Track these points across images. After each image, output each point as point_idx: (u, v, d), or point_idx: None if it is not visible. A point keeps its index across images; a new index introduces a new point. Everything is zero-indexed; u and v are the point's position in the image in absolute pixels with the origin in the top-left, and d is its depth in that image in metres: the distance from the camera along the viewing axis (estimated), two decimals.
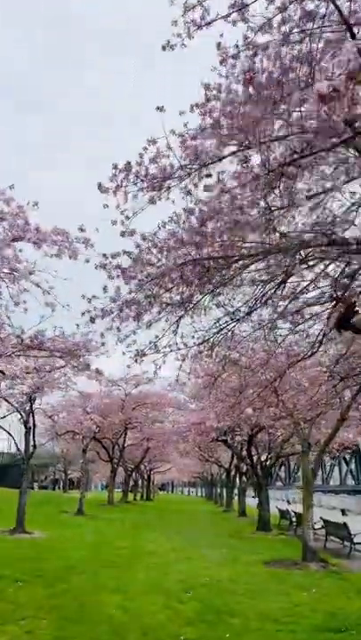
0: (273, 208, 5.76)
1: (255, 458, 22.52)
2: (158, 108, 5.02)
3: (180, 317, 7.82)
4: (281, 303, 8.87)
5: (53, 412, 23.42)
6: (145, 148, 5.46)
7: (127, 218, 5.99)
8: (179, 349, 8.62)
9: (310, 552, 13.51)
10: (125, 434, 34.12)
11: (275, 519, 23.40)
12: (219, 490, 53.98)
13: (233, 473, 35.92)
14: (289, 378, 11.21)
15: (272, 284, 8.22)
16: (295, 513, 23.68)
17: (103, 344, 8.40)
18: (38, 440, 26.57)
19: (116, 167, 5.63)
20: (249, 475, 29.13)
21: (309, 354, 9.68)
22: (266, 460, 22.54)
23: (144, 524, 21.74)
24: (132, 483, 52.18)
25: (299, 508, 30.93)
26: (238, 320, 8.66)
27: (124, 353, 8.27)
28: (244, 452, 25.87)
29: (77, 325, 8.90)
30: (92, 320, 7.43)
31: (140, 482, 57.27)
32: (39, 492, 61.38)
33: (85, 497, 24.13)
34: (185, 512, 36.11)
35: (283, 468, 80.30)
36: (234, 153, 5.09)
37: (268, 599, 9.44)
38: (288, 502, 48.34)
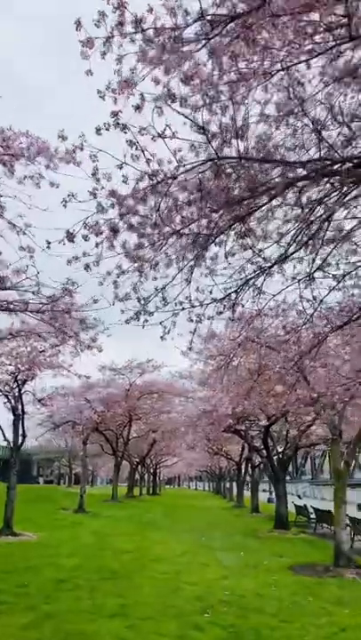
0: None
1: (271, 449, 20.60)
2: None
3: (197, 258, 5.89)
4: (322, 250, 6.98)
5: (50, 398, 21.63)
6: None
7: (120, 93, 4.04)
8: (193, 307, 6.71)
9: (344, 557, 11.62)
10: (130, 425, 32.28)
11: (290, 516, 21.50)
12: (228, 484, 52.17)
13: (244, 466, 34.03)
14: (326, 349, 9.28)
15: (314, 219, 6.32)
16: (315, 509, 21.82)
17: (96, 301, 6.47)
18: (38, 431, 24.92)
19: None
20: (263, 468, 27.27)
21: (356, 316, 7.74)
22: (284, 451, 20.61)
23: (150, 523, 19.84)
24: (137, 477, 50.49)
25: (313, 503, 29.27)
26: (269, 269, 6.73)
27: (122, 311, 6.37)
28: (258, 444, 24.01)
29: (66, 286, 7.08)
30: (87, 267, 5.54)
31: (145, 476, 55.50)
32: (44, 486, 59.84)
33: (86, 492, 22.27)
34: (194, 508, 34.25)
35: (290, 461, 78.15)
36: None
37: (306, 620, 7.58)
38: (299, 497, 46.51)
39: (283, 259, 6.61)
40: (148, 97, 3.65)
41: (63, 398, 23.23)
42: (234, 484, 44.50)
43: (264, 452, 21.19)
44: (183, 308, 6.60)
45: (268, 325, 12.55)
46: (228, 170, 4.65)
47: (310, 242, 6.62)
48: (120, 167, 3.91)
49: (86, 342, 9.08)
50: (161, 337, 6.74)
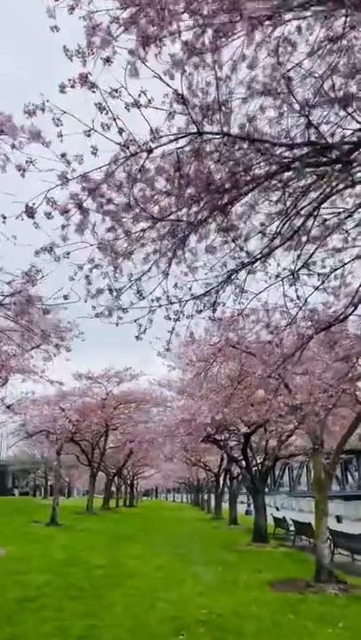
0: None
1: (250, 460, 20.16)
2: None
3: (175, 249, 5.45)
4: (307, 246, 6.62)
5: (22, 405, 20.92)
6: None
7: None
8: (171, 303, 6.27)
9: (325, 571, 11.19)
10: (107, 436, 31.54)
11: (269, 528, 21.04)
12: (206, 496, 51.49)
13: (222, 477, 33.48)
14: (310, 353, 8.91)
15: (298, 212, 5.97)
16: (294, 521, 21.40)
17: (66, 297, 5.96)
18: (11, 441, 24.05)
19: None
20: (241, 479, 26.81)
21: (342, 317, 7.39)
22: (263, 462, 20.19)
23: (126, 536, 19.14)
24: (114, 489, 49.49)
25: (291, 515, 28.85)
26: (252, 264, 6.34)
27: (94, 307, 5.89)
28: (237, 454, 23.55)
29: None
30: (50, 250, 5.07)
31: (122, 488, 54.50)
32: (18, 498, 58.46)
33: (59, 504, 21.44)
34: (171, 520, 33.54)
35: (269, 472, 77.74)
36: None
37: None
38: (277, 509, 46.12)
39: (267, 253, 6.24)
40: (121, 52, 3.22)
41: (36, 407, 22.49)
42: (212, 495, 43.88)
43: (243, 462, 20.75)
44: (160, 305, 6.16)
45: (250, 330, 12.18)
46: (210, 148, 4.24)
47: (295, 236, 6.27)
48: (88, 134, 3.46)
49: (54, 341, 8.52)
50: (136, 337, 6.28)
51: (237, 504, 30.35)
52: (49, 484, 68.10)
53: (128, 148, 3.69)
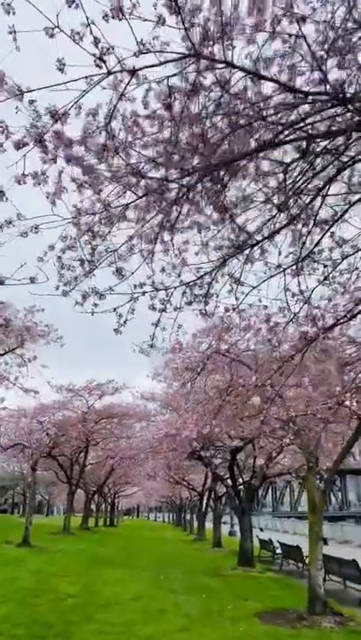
0: None
1: (236, 478, 19.15)
2: None
3: (165, 224, 4.57)
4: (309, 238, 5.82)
5: None
6: None
7: None
8: (156, 290, 5.38)
9: (320, 602, 10.20)
10: (87, 451, 30.23)
11: (254, 550, 19.93)
12: (188, 516, 49.97)
13: (206, 497, 32.25)
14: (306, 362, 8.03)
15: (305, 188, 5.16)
16: (281, 544, 20.36)
17: (33, 280, 5.03)
18: None
19: None
20: (226, 499, 25.73)
21: (349, 316, 6.56)
22: (250, 480, 19.16)
23: (104, 559, 17.85)
24: (93, 507, 47.84)
25: (275, 537, 27.67)
26: (251, 247, 5.48)
27: (64, 293, 4.97)
28: (222, 472, 22.51)
29: None
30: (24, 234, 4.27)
31: (103, 506, 52.76)
32: None
33: (32, 524, 20.05)
34: (153, 540, 32.16)
35: (256, 492, 76.36)
36: None
37: None
38: (261, 529, 44.79)
39: (267, 235, 5.40)
40: None
41: (12, 419, 21.32)
42: (195, 515, 42.50)
43: (229, 481, 19.74)
44: (144, 292, 5.28)
45: (242, 338, 11.34)
46: (207, 82, 3.39)
47: (300, 218, 5.46)
48: (51, 35, 2.59)
49: (17, 331, 7.58)
50: (115, 329, 5.38)
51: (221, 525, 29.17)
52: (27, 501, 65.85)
53: (104, 62, 2.82)
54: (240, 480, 19.33)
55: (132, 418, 28.47)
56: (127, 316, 5.26)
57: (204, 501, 32.65)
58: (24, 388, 12.78)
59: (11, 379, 12.71)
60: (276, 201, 5.19)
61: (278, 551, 20.91)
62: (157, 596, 11.41)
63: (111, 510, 53.66)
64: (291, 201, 5.10)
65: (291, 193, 5.01)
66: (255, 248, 5.53)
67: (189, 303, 5.71)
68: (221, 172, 4.40)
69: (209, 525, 35.15)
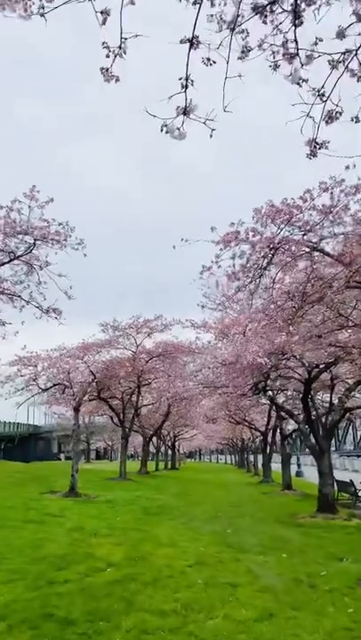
0: None
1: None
2: None
3: None
4: None
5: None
6: None
7: None
8: None
9: None
10: (139, 393, 28.04)
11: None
12: (251, 457, 48.02)
13: (270, 436, 29.62)
14: None
15: None
16: None
17: None
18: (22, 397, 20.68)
19: None
20: (296, 437, 22.97)
21: None
22: (326, 415, 16.18)
23: (159, 508, 15.48)
24: (153, 450, 46.66)
25: (340, 476, 24.63)
26: None
27: None
28: (289, 407, 19.60)
29: None
30: None
31: (163, 449, 51.57)
32: (62, 462, 57.09)
33: (78, 471, 17.80)
34: (216, 484, 30.05)
35: (335, 428, 73.47)
36: None
37: None
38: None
39: None
40: None
41: (50, 359, 19.04)
42: (259, 456, 40.30)
43: (300, 416, 16.85)
44: None
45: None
46: None
47: None
48: None
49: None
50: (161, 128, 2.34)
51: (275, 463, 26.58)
52: (92, 448, 66.04)
53: None
54: (315, 413, 16.36)
55: (185, 355, 25.82)
56: None
57: (269, 440, 30.09)
58: (42, 309, 10.19)
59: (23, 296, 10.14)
60: None
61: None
62: (225, 559, 8.77)
63: (172, 453, 52.52)
64: None
65: None
66: None
67: None
68: None
69: (274, 466, 32.76)
